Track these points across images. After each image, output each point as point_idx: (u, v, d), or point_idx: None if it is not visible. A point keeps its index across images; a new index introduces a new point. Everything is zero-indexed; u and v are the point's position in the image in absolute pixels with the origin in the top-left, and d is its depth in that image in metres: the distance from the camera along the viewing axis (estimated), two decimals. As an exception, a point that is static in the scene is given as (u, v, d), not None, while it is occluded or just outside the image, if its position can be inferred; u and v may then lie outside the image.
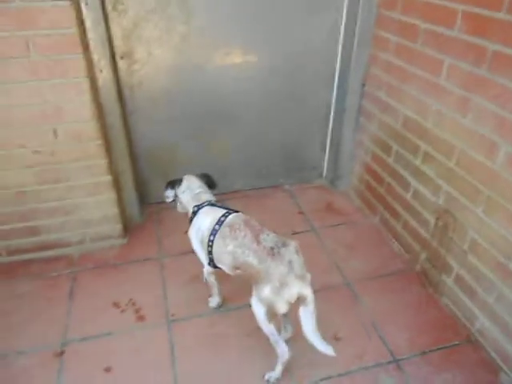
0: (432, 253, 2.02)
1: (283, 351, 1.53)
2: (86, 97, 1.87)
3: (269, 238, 1.49)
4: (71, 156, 1.99)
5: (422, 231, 2.08)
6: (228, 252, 1.55)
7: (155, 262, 2.22)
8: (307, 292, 1.40)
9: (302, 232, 2.44)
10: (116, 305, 1.96)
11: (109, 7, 1.98)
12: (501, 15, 1.46)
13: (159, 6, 2.07)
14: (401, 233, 2.26)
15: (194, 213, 1.72)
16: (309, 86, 2.53)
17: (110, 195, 2.17)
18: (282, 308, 1.42)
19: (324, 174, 2.91)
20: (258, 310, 1.46)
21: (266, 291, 1.41)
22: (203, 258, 1.73)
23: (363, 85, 2.42)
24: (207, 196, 1.78)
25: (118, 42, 2.09)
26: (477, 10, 1.55)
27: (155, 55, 2.19)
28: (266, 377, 1.62)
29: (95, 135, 1.97)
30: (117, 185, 2.22)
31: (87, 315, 1.90)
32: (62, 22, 1.69)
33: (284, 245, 1.46)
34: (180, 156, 2.52)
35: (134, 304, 1.97)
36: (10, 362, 1.70)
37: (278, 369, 1.59)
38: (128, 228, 2.40)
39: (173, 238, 2.38)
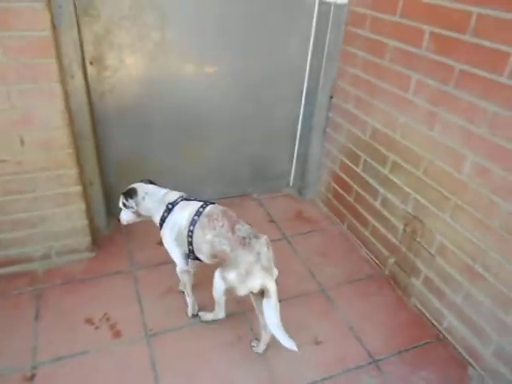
0: (401, 257, 2.14)
1: (220, 314, 1.76)
2: (58, 103, 1.78)
3: (243, 229, 1.59)
4: (39, 165, 1.88)
5: (390, 237, 2.20)
6: (207, 241, 1.62)
7: (128, 275, 2.14)
8: (271, 285, 1.51)
9: (275, 240, 2.47)
10: (89, 321, 1.86)
11: (81, 12, 1.90)
12: (466, 37, 1.60)
13: (132, 13, 2.03)
14: (369, 239, 2.37)
15: (169, 210, 1.73)
16: (277, 98, 2.59)
17: (79, 206, 2.07)
18: (241, 293, 1.56)
19: (291, 183, 2.98)
20: (219, 285, 1.60)
21: (232, 276, 1.54)
22: (177, 255, 1.76)
23: (331, 97, 2.52)
24: (177, 193, 1.81)
25: (88, 48, 2.01)
26: (444, 31, 1.69)
27: (127, 62, 2.14)
28: (200, 313, 1.88)
29: (65, 143, 1.88)
30: (85, 195, 2.12)
31: (57, 335, 1.79)
32: (35, 24, 1.60)
33: (256, 237, 1.57)
34: (150, 165, 2.46)
35: (108, 319, 1.88)
36: (-27, 389, 1.56)
37: (209, 315, 1.83)
38: (96, 240, 2.29)
39: (144, 250, 2.31)
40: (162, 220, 1.75)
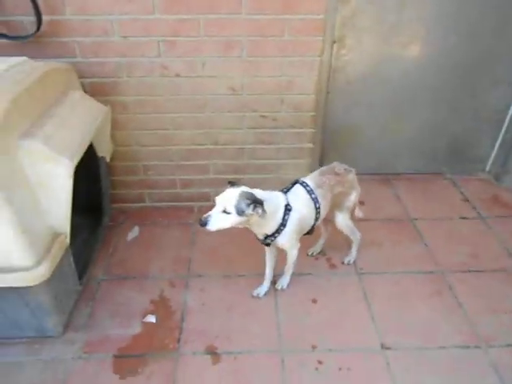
0: None
1: (358, 235, 2.11)
2: (314, 74, 2.21)
3: (340, 166, 1.92)
4: (289, 123, 2.36)
5: None
6: (330, 200, 1.86)
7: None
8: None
9: (470, 218, 2.59)
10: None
11: (339, -2, 2.28)
12: None
13: (378, -2, 2.33)
14: None
15: (289, 211, 1.71)
16: (490, 80, 2.63)
17: (307, 160, 2.52)
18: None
19: (488, 167, 2.99)
20: (346, 218, 2.01)
21: (353, 196, 1.95)
22: (296, 244, 1.86)
23: (556, 84, 2.47)
24: (276, 192, 1.76)
25: (335, 28, 2.38)
26: None
27: (362, 43, 2.46)
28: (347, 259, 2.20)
29: (311, 107, 2.32)
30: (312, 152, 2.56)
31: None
32: (314, 9, 2.03)
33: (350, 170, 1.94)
34: (358, 136, 2.79)
35: (324, 254, 2.30)
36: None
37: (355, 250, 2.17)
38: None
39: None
40: (283, 224, 1.70)
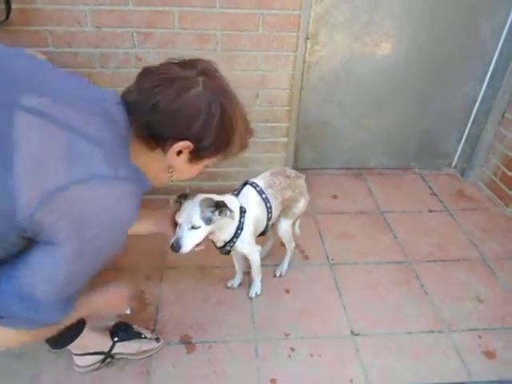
0: None
1: (293, 245, 2.10)
2: (289, 69, 2.25)
3: (290, 171, 1.92)
4: (263, 117, 2.39)
5: None
6: (280, 202, 1.81)
7: (310, 216, 2.59)
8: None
9: (437, 211, 2.70)
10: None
11: (313, -5, 2.32)
12: None
13: (350, -3, 2.39)
14: (538, 223, 2.44)
15: (244, 213, 1.66)
16: (460, 79, 2.75)
17: (281, 154, 2.57)
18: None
19: (454, 163, 3.12)
20: (287, 225, 1.96)
21: (301, 204, 1.92)
22: (256, 247, 1.82)
23: (519, 82, 2.59)
24: (228, 196, 1.68)
25: (309, 25, 2.42)
26: None
27: (335, 40, 2.52)
28: (278, 271, 2.15)
29: (286, 102, 2.36)
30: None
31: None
32: (290, 4, 2.07)
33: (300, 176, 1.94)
34: (330, 131, 2.85)
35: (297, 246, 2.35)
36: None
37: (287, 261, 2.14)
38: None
39: (320, 198, 2.73)
40: (240, 227, 1.65)
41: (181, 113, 0.96)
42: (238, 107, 1.07)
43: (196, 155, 1.04)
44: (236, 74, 2.22)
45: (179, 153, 1.02)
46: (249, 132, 1.14)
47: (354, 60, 2.61)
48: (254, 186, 1.76)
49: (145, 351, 1.71)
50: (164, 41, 2.10)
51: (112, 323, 1.73)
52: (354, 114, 2.82)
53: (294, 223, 2.04)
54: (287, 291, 2.07)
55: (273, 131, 2.46)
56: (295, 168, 2.91)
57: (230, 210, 1.50)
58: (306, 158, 2.96)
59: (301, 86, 2.53)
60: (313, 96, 2.70)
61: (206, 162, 1.11)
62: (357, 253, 2.32)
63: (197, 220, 1.42)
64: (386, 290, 2.09)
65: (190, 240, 1.43)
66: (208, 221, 1.44)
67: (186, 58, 1.04)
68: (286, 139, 2.50)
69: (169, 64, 1.02)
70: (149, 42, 2.10)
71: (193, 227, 1.43)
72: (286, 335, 1.84)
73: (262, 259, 2.18)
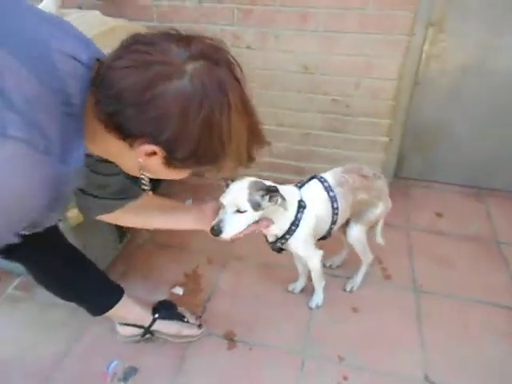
0: None
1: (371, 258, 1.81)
2: (398, 56, 1.94)
3: (367, 169, 1.62)
4: (362, 111, 2.12)
5: None
6: (352, 204, 1.56)
7: (402, 231, 2.22)
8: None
9: None
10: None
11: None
12: None
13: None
14: None
15: (303, 208, 1.44)
16: None
17: (379, 156, 2.25)
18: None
19: None
20: (361, 237, 1.68)
21: (379, 209, 1.63)
22: (314, 249, 1.56)
23: None
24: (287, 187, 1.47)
25: (435, 7, 2.06)
26: None
27: (466, 28, 2.10)
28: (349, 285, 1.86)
29: (391, 95, 2.05)
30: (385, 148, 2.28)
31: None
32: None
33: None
34: (446, 137, 2.39)
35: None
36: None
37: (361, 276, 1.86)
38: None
39: (421, 213, 2.33)
40: (296, 224, 1.43)
41: (149, 110, 0.69)
42: (241, 113, 0.75)
43: (172, 163, 0.78)
44: (336, 58, 1.99)
45: (151, 154, 0.75)
46: (258, 143, 0.83)
47: (488, 54, 2.15)
48: (322, 180, 1.52)
49: (185, 336, 1.62)
50: (263, 19, 1.99)
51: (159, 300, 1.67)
52: (481, 119, 2.33)
53: (372, 229, 1.74)
54: (355, 310, 1.78)
55: (372, 128, 2.16)
56: (398, 176, 2.58)
57: (283, 198, 1.30)
58: (413, 167, 2.56)
59: (414, 79, 2.18)
60: (430, 93, 2.30)
61: (189, 170, 0.83)
62: (454, 284, 1.89)
63: (243, 203, 1.23)
64: (482, 338, 1.65)
65: (233, 225, 1.23)
66: (256, 206, 1.24)
67: (187, 33, 0.75)
68: (386, 139, 2.18)
69: (164, 36, 0.73)
70: (248, 20, 2.01)
71: (238, 211, 1.24)
72: (341, 359, 1.56)
73: (333, 269, 1.96)
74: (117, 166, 0.88)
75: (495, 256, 2.07)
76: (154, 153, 0.74)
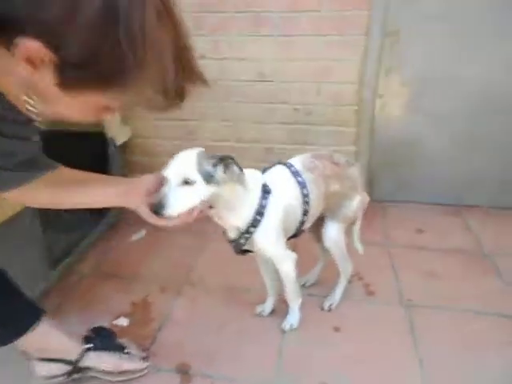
0: None
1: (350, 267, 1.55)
2: (357, 57, 1.88)
3: (338, 156, 1.42)
4: (324, 118, 2.00)
5: None
6: (322, 193, 1.33)
7: (382, 248, 2.00)
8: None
9: None
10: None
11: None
12: None
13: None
14: None
15: (268, 193, 1.21)
16: None
17: (348, 168, 2.09)
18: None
19: None
20: (340, 231, 1.43)
21: (355, 202, 1.41)
22: (285, 248, 1.31)
23: None
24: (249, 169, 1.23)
25: (391, 12, 1.99)
26: None
27: (426, 36, 2.06)
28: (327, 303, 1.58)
29: (353, 100, 1.96)
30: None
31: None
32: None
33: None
34: (419, 150, 2.27)
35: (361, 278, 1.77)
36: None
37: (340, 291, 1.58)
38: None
39: (400, 231, 2.14)
40: (260, 212, 1.19)
41: None
42: (163, 16, 0.54)
43: (68, 81, 0.56)
44: (294, 64, 1.91)
45: (37, 64, 0.53)
46: (188, 72, 0.61)
47: (455, 61, 2.10)
48: (289, 165, 1.32)
49: (124, 371, 1.27)
50: (215, 26, 1.92)
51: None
52: (455, 132, 2.22)
53: (350, 234, 1.51)
54: (336, 329, 1.48)
55: (338, 137, 2.04)
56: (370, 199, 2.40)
57: (240, 169, 1.09)
58: (385, 187, 2.40)
59: (375, 89, 2.11)
60: (393, 106, 2.23)
61: (94, 97, 0.59)
62: (446, 296, 1.65)
63: (192, 172, 1.01)
64: (483, 350, 1.38)
65: (177, 200, 0.99)
66: (208, 177, 1.02)
67: None
68: (353, 148, 2.05)
69: None
70: (199, 29, 1.94)
71: (186, 182, 1.01)
72: (324, 386, 1.25)
73: (308, 287, 1.68)
74: (24, 126, 0.71)
75: (484, 265, 1.86)
76: (41, 61, 0.52)
